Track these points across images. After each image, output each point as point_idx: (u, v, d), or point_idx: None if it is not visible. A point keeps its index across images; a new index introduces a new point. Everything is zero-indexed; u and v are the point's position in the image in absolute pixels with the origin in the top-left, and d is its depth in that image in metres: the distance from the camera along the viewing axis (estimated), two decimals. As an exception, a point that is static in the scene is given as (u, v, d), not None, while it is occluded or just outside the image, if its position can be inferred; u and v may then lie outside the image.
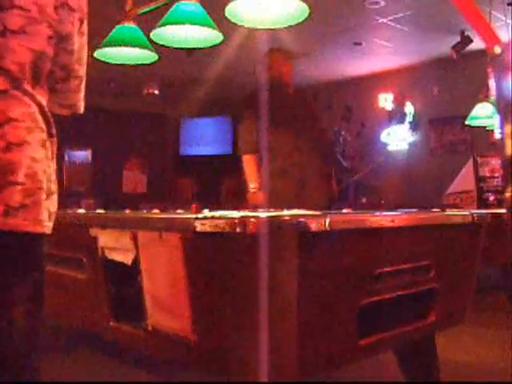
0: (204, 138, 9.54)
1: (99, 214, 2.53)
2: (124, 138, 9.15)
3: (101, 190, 8.70)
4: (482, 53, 5.40)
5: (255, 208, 3.02)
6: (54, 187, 1.26)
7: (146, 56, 3.12)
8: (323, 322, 1.42)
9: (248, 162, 3.25)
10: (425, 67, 6.80)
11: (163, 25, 2.66)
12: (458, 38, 5.65)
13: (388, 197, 6.41)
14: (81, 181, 9.00)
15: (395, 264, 1.62)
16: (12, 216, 1.13)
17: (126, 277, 1.80)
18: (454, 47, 5.66)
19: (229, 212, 1.73)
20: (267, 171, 3.22)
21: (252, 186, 3.20)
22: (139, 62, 3.21)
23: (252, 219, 1.31)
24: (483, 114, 4.88)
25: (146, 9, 3.09)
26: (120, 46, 3.01)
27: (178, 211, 2.52)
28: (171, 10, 2.68)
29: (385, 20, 5.50)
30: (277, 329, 1.31)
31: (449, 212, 2.02)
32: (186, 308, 1.50)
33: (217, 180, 8.18)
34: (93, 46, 3.12)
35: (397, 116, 7.22)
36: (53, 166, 1.27)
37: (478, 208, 4.96)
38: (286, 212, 1.67)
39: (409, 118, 7.05)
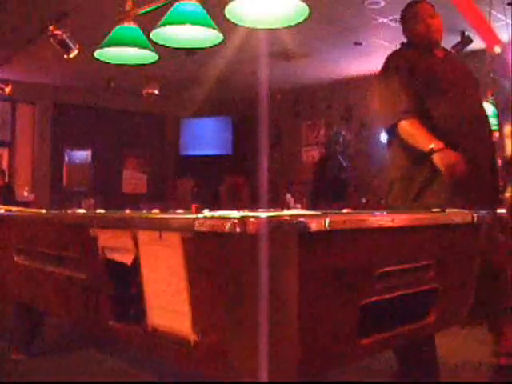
0: (204, 138, 9.54)
1: (99, 213, 2.53)
2: (124, 138, 9.16)
3: (101, 190, 8.71)
4: (482, 53, 5.41)
5: (451, 172, 2.27)
6: None
7: (146, 56, 3.12)
8: (323, 321, 1.42)
9: (412, 126, 2.44)
10: (425, 67, 6.79)
11: (163, 25, 2.66)
12: (458, 38, 5.66)
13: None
14: (81, 181, 9.00)
15: (395, 264, 1.62)
16: None
17: (126, 277, 1.80)
18: (454, 47, 5.67)
19: (229, 212, 1.73)
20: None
21: (432, 145, 2.34)
22: (139, 62, 3.21)
23: (252, 219, 1.31)
24: (483, 114, 4.87)
25: (146, 9, 3.09)
26: (120, 45, 3.02)
27: (178, 211, 2.52)
28: (171, 10, 2.69)
29: (385, 20, 5.50)
30: (277, 329, 1.31)
31: (449, 212, 2.02)
32: (185, 308, 1.50)
33: (217, 180, 8.18)
34: (93, 46, 3.13)
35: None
36: None
37: (478, 208, 4.94)
38: (285, 212, 1.67)
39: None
